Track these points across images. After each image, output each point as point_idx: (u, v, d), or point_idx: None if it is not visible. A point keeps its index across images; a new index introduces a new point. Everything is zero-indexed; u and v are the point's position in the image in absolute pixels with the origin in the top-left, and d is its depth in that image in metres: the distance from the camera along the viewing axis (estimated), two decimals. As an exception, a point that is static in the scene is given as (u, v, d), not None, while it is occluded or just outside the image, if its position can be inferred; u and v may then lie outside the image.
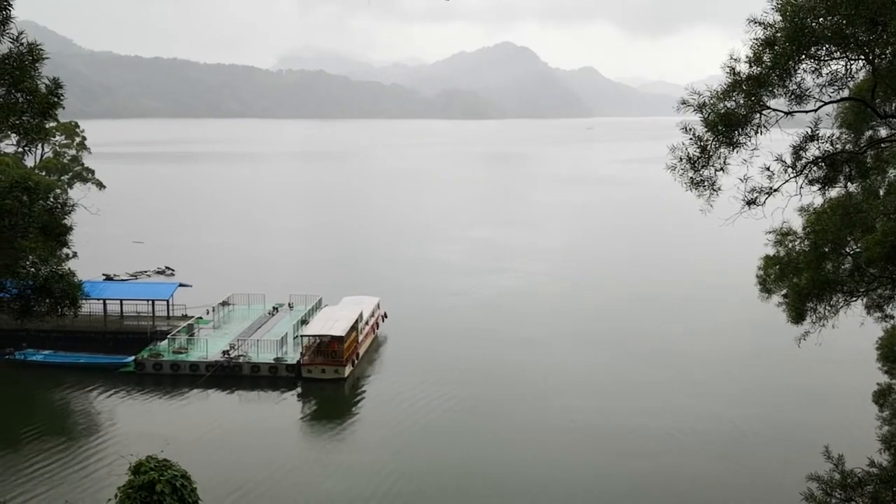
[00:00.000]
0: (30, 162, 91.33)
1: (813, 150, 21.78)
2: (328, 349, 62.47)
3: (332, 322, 64.09)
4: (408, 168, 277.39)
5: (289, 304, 78.94)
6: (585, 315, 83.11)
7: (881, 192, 26.88)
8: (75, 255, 69.65)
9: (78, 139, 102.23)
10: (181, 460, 22.89)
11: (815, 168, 22.18)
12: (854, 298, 27.39)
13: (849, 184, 24.89)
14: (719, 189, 20.92)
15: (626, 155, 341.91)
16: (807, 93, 20.33)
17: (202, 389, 60.04)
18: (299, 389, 60.69)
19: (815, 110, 20.88)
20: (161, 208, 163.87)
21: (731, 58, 19.86)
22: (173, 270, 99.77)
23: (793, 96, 20.23)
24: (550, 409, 56.59)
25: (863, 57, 20.20)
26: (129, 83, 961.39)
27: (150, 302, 73.56)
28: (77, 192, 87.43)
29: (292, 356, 63.77)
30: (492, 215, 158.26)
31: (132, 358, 64.00)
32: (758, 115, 20.18)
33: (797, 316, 27.39)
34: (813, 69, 20.14)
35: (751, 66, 19.74)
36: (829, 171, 22.59)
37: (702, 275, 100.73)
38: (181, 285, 76.86)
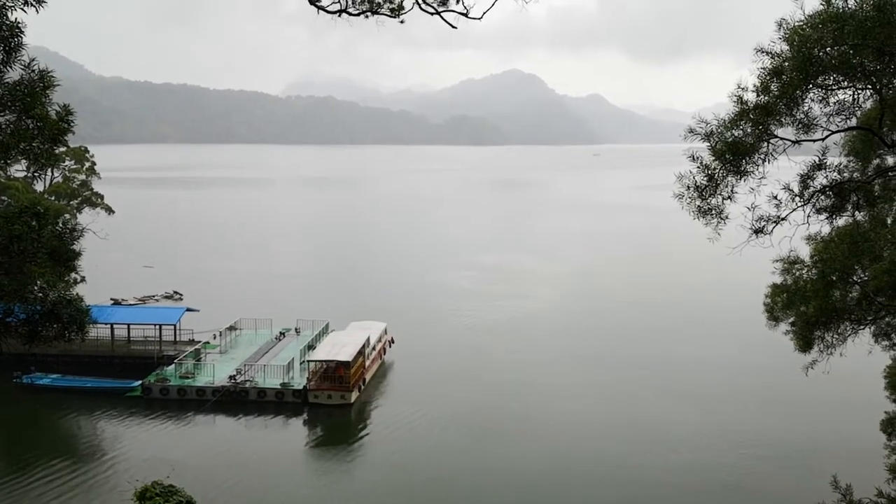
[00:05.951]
0: (39, 187, 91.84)
1: (820, 179, 21.77)
2: (335, 374, 62.38)
3: (338, 347, 64.03)
4: (416, 193, 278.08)
5: (296, 329, 78.87)
6: (594, 341, 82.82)
7: (889, 221, 26.84)
8: (84, 279, 69.94)
9: (87, 164, 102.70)
10: (187, 486, 22.88)
11: (822, 197, 22.16)
12: (862, 327, 27.23)
13: (856, 212, 24.80)
14: (727, 217, 20.89)
15: (633, 182, 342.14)
16: (814, 122, 20.35)
17: (208, 414, 59.95)
18: (306, 415, 60.53)
19: (823, 139, 20.89)
20: (170, 233, 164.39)
21: (739, 87, 19.92)
22: (181, 295, 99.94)
23: (800, 125, 20.25)
24: (558, 435, 56.28)
25: (870, 86, 20.24)
26: (139, 108, 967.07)
27: (158, 326, 73.61)
28: (86, 217, 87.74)
29: (299, 381, 63.65)
30: (500, 241, 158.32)
31: (139, 382, 63.96)
32: (765, 143, 20.19)
33: (805, 344, 27.25)
34: (820, 98, 20.17)
35: (758, 96, 19.78)
36: (836, 199, 22.56)
37: (708, 302, 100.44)
38: (189, 310, 76.93)
